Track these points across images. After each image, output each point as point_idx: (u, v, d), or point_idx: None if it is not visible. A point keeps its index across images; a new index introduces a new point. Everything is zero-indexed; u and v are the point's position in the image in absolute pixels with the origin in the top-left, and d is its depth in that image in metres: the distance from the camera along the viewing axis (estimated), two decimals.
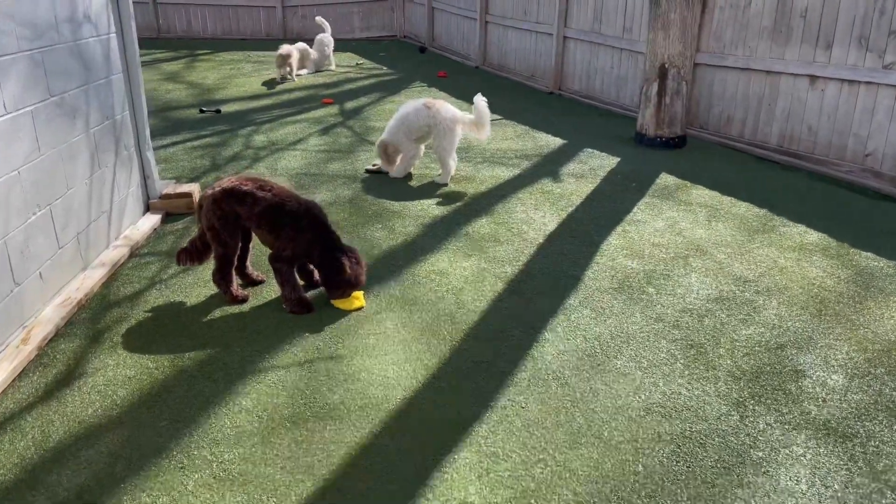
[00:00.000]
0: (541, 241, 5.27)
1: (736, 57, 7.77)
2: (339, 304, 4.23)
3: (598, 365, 3.65)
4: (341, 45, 14.80)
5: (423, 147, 6.88)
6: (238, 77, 11.84)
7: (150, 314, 4.17)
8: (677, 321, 4.09)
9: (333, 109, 9.72)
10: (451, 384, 3.49)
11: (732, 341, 3.88)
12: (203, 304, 4.30)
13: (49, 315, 4.03)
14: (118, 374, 3.56)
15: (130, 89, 5.62)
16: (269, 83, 11.39)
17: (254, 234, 4.43)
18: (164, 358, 3.70)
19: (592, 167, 7.16)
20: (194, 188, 5.91)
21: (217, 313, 4.19)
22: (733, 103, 7.93)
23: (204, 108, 9.42)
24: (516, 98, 10.63)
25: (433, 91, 10.98)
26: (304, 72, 12.17)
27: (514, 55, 12.12)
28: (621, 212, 5.89)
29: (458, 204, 6.06)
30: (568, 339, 3.88)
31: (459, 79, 12.05)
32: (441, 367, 3.62)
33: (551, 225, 5.59)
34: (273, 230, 4.15)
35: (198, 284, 4.54)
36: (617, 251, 5.08)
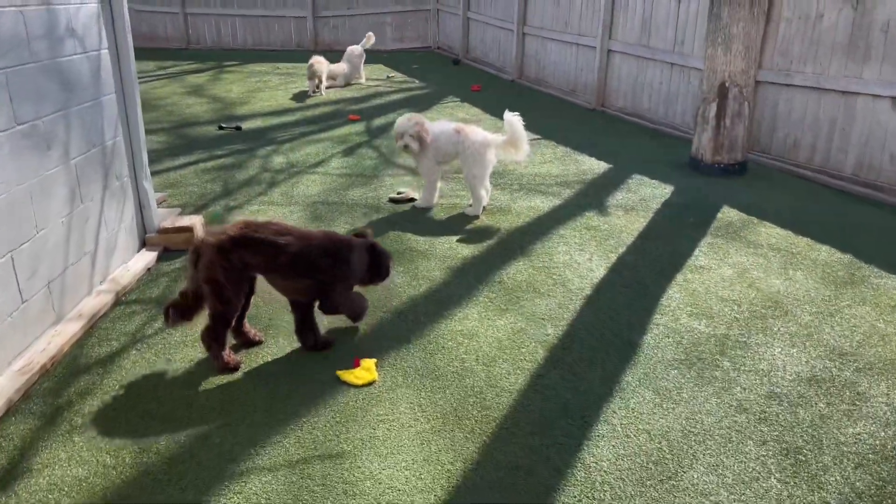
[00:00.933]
0: (587, 291, 4.46)
1: (805, 75, 6.86)
2: (348, 376, 3.47)
3: (669, 477, 2.83)
4: (373, 57, 14.14)
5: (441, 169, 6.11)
6: (264, 90, 11.22)
7: (122, 385, 3.46)
8: (764, 412, 3.24)
9: (359, 127, 9.01)
10: (478, 501, 2.70)
11: (838, 444, 3.03)
12: (186, 371, 3.58)
13: (2, 386, 3.34)
14: (67, 475, 2.84)
15: (126, 111, 4.95)
16: (297, 97, 10.74)
17: (256, 287, 3.72)
18: (127, 451, 2.97)
19: (643, 197, 6.32)
20: (196, 221, 5.22)
21: (201, 384, 3.46)
22: (801, 126, 7.01)
23: (223, 125, 8.79)
24: (555, 115, 9.81)
25: (466, 107, 10.22)
26: (335, 84, 11.51)
27: (552, 68, 11.31)
28: (680, 254, 5.05)
29: (490, 242, 5.28)
30: (628, 437, 3.06)
31: (494, 93, 11.28)
32: (466, 475, 2.83)
33: (599, 270, 4.77)
34: (312, 275, 3.56)
35: (185, 344, 3.83)
36: (679, 307, 4.24)
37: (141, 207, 5.04)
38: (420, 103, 10.41)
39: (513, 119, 5.63)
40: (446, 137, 5.81)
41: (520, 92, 11.45)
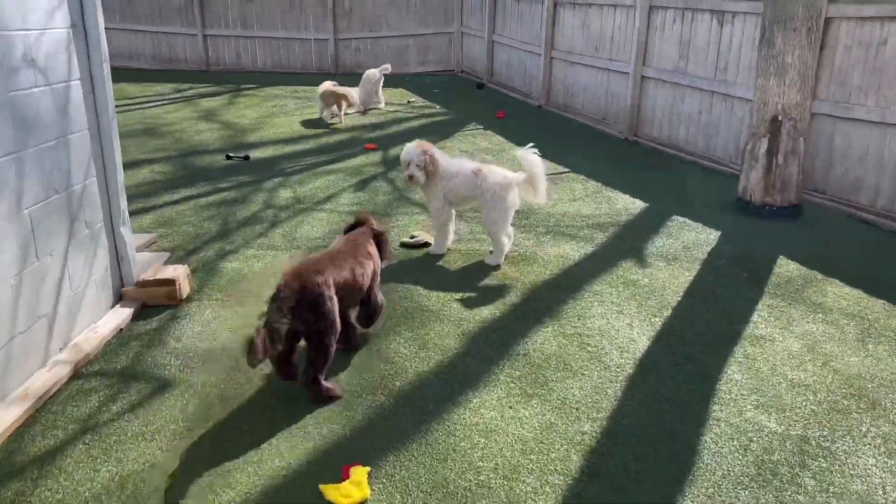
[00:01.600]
0: (629, 370, 3.71)
1: (866, 107, 6.07)
2: (332, 494, 2.76)
3: None
4: (394, 81, 13.55)
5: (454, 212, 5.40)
6: (279, 116, 10.64)
7: (57, 499, 2.78)
8: None
9: (375, 156, 8.36)
10: None
11: None
12: (137, 475, 2.89)
13: None
14: None
15: (102, 150, 4.32)
16: (312, 123, 10.14)
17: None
18: None
19: (686, 244, 5.56)
20: (181, 273, 4.56)
21: (150, 500, 2.77)
22: (862, 164, 6.21)
23: (231, 155, 8.19)
24: (585, 144, 9.08)
25: (489, 135, 9.54)
26: (351, 110, 10.90)
27: (582, 95, 10.59)
28: (736, 319, 4.28)
29: (513, 299, 4.55)
30: None
31: (519, 120, 10.59)
32: None
33: (641, 340, 4.02)
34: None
35: (143, 437, 3.14)
36: (743, 395, 3.47)
37: (118, 257, 4.40)
38: (441, 130, 9.75)
39: (529, 156, 4.94)
40: (464, 179, 5.12)
41: (546, 119, 10.74)
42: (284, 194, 6.80)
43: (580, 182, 7.39)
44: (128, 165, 7.70)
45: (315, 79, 13.80)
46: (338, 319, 3.35)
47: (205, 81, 13.60)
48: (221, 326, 4.17)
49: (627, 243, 5.59)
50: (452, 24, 14.94)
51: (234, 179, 7.29)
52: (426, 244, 5.50)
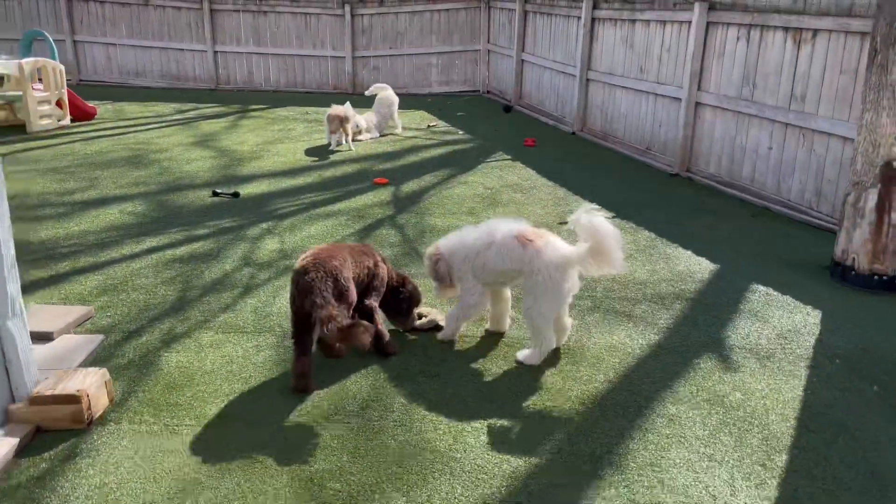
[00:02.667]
0: None
1: None
2: None
3: None
4: (414, 102, 12.28)
5: (487, 299, 4.05)
6: (283, 142, 9.38)
7: None
8: None
9: (385, 193, 7.03)
10: None
11: None
12: None
13: None
14: None
15: None
16: (318, 151, 8.86)
17: None
18: None
19: (780, 331, 4.13)
20: (92, 382, 3.23)
21: None
22: None
23: (219, 191, 6.91)
24: (628, 180, 7.68)
25: (518, 167, 8.17)
26: (365, 136, 9.61)
27: (623, 122, 9.19)
28: (880, 470, 2.85)
29: (555, 434, 3.15)
30: None
31: (551, 148, 9.21)
32: None
33: None
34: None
35: None
36: None
37: (5, 362, 3.10)
38: (463, 161, 8.40)
39: (595, 221, 3.54)
40: (503, 250, 3.76)
41: (582, 148, 9.35)
42: (269, 246, 5.49)
43: (629, 231, 5.98)
44: (95, 204, 6.49)
45: (330, 99, 12.57)
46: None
47: (212, 101, 12.43)
48: (134, 477, 2.84)
49: (701, 329, 4.18)
50: (478, 42, 13.63)
51: (213, 224, 6.00)
52: (437, 328, 4.14)
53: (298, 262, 3.52)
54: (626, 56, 8.97)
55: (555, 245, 3.70)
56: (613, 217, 6.36)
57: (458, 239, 3.99)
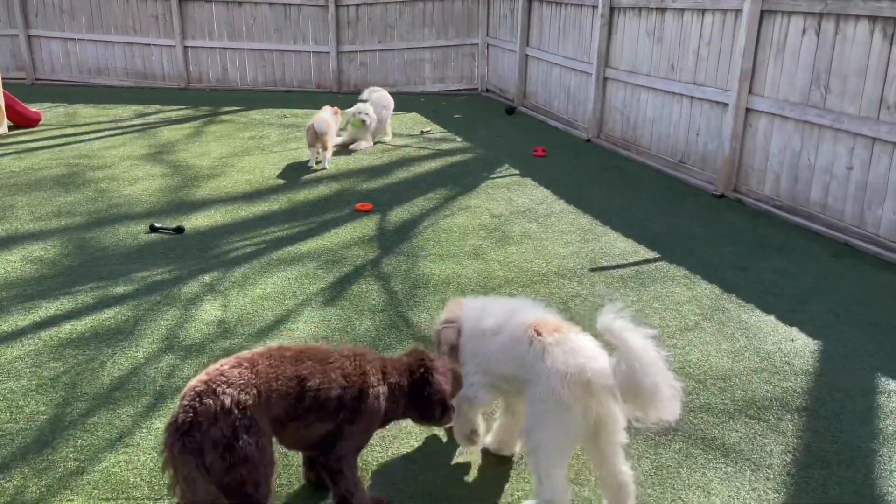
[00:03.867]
0: None
1: None
2: None
3: None
4: (406, 103, 10.72)
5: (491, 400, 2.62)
6: (251, 153, 7.83)
7: None
8: None
9: (369, 225, 5.51)
10: None
11: None
12: None
13: None
14: None
15: None
16: (292, 166, 7.31)
17: None
18: None
19: None
20: None
21: None
22: None
23: (158, 226, 5.37)
24: (663, 203, 6.18)
25: (528, 185, 6.65)
26: (363, 145, 8.08)
27: (649, 128, 7.67)
28: None
29: None
30: None
31: (564, 159, 7.70)
32: None
33: None
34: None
35: None
36: None
37: None
38: (462, 177, 6.87)
39: (630, 342, 2.08)
40: (511, 343, 2.46)
41: (601, 159, 7.83)
42: (207, 314, 3.97)
43: (683, 283, 4.48)
44: None
45: (313, 99, 11.00)
46: None
47: (180, 102, 10.83)
48: None
49: (836, 472, 2.69)
50: (477, 35, 12.04)
51: (138, 277, 4.47)
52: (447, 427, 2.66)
53: (180, 401, 2.07)
54: (654, 51, 7.43)
55: (572, 346, 2.29)
56: (659, 260, 4.86)
57: (481, 307, 2.67)
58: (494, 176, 7.06)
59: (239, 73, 12.18)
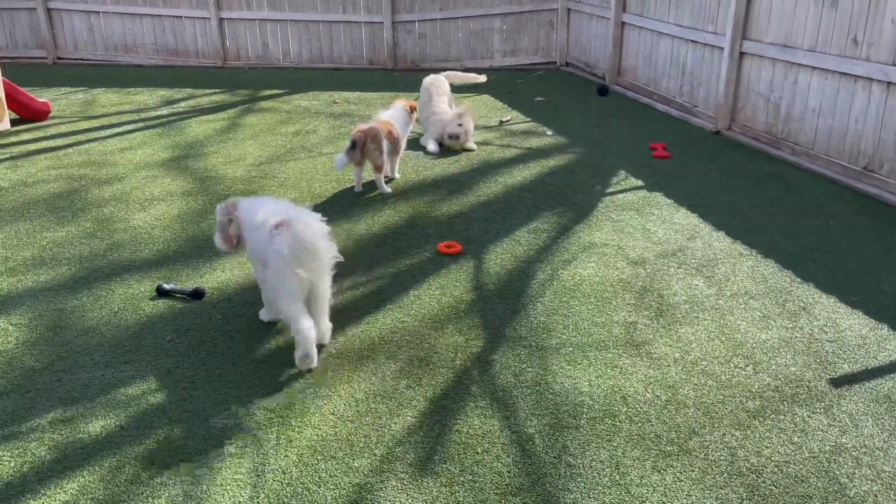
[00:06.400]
0: None
1: None
2: None
3: None
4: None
5: None
6: (296, 156, 6.11)
7: None
8: None
9: (460, 280, 3.77)
10: None
11: None
12: None
13: None
14: None
15: None
16: (347, 176, 5.59)
17: None
18: None
19: None
20: None
21: None
22: None
23: (168, 288, 3.71)
24: (865, 234, 4.27)
25: (661, 203, 4.80)
26: (431, 146, 6.27)
27: (812, 121, 5.68)
28: None
29: None
30: None
31: (692, 161, 5.79)
32: None
33: None
34: None
35: None
36: None
37: None
38: (568, 192, 5.04)
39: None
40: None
41: (744, 162, 5.88)
42: (225, 495, 2.32)
43: None
44: None
45: (366, 78, 9.18)
46: None
47: (214, 85, 9.15)
48: None
49: None
50: None
51: (125, 397, 2.84)
52: None
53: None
54: (822, 18, 5.40)
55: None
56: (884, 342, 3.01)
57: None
58: (612, 190, 5.21)
59: (281, 49, 10.41)
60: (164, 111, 7.78)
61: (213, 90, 8.83)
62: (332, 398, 2.83)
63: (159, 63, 10.50)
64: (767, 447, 2.52)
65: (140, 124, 7.20)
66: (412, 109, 5.57)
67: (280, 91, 8.79)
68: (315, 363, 2.96)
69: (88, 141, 6.59)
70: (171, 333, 3.32)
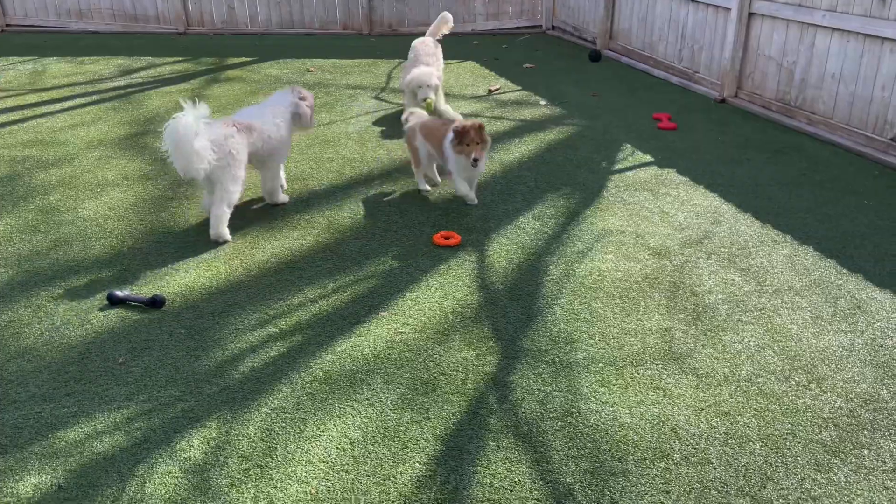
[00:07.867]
0: None
1: None
2: None
3: None
4: (455, 46, 8.20)
5: None
6: None
7: None
8: None
9: (462, 277, 3.22)
10: None
11: None
12: None
13: None
14: None
15: None
16: (325, 153, 4.96)
17: None
18: None
19: None
20: None
21: None
22: None
23: (122, 296, 3.10)
24: (880, 213, 3.83)
25: (673, 181, 4.29)
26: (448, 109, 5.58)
27: (833, 88, 5.17)
28: None
29: None
30: None
31: (702, 131, 5.28)
32: None
33: None
34: None
35: None
36: None
37: None
38: (572, 171, 4.49)
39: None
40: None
41: (757, 133, 5.38)
42: None
43: None
44: None
45: (340, 45, 8.44)
46: None
47: (176, 52, 8.35)
48: None
49: None
50: None
51: (64, 444, 2.27)
52: None
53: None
54: None
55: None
56: None
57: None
58: (619, 167, 4.68)
59: (248, 13, 9.59)
60: (121, 82, 7.01)
61: (174, 58, 8.03)
62: (321, 439, 2.30)
63: (116, 29, 9.61)
64: (858, 495, 2.06)
65: (94, 97, 6.45)
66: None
67: (248, 59, 8.03)
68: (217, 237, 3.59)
69: (35, 117, 5.85)
70: (124, 354, 2.75)
